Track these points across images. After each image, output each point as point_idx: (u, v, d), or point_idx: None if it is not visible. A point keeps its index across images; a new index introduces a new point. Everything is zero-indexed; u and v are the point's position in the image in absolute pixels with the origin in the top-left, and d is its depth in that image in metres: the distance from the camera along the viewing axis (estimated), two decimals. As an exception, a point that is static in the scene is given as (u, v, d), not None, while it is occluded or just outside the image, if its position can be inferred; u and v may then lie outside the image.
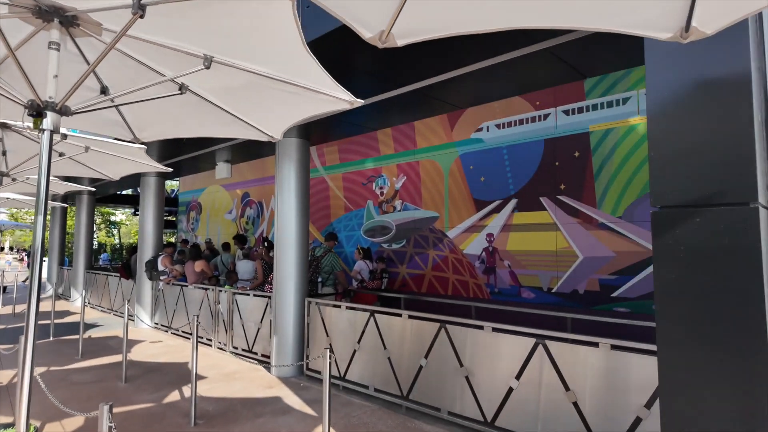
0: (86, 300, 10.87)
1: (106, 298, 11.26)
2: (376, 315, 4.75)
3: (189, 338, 7.62)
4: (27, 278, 14.11)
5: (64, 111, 1.76)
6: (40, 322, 8.58)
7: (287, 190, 5.74)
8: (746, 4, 1.31)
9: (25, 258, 31.15)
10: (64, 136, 3.24)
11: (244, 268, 8.33)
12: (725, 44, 1.47)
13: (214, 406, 4.49)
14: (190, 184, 14.26)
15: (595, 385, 3.21)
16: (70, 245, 19.96)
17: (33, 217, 11.89)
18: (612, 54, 3.35)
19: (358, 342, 4.89)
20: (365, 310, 4.88)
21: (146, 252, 9.15)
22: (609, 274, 5.60)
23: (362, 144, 8.76)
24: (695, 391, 1.47)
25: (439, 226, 7.36)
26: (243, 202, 12.11)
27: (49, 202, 3.25)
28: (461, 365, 3.97)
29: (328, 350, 2.92)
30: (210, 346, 7.03)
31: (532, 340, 3.55)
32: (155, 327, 8.81)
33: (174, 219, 18.69)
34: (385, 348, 4.62)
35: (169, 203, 15.25)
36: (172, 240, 17.69)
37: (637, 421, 2.99)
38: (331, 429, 3.65)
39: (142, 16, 1.41)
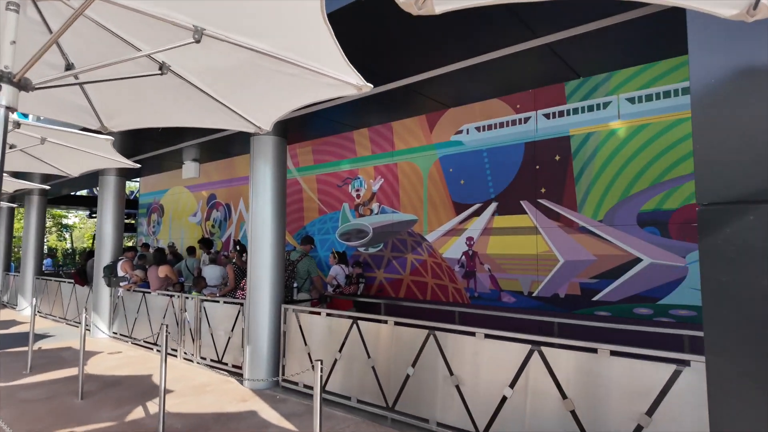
0: (36, 308, 10.09)
1: (58, 306, 10.48)
2: (360, 322, 4.52)
3: (151, 348, 7.13)
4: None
5: (23, 85, 1.47)
6: (-18, 334, 7.88)
7: (263, 191, 5.44)
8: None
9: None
10: (17, 125, 2.87)
11: (212, 273, 7.92)
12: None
13: (183, 423, 4.14)
14: (151, 184, 13.58)
15: (593, 392, 3.11)
16: (17, 249, 18.63)
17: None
18: (605, 53, 3.30)
19: (340, 351, 4.65)
20: (347, 317, 4.65)
21: (104, 257, 8.55)
22: (590, 277, 5.60)
23: (337, 145, 8.53)
24: (746, 401, 1.35)
25: (417, 229, 7.21)
26: (209, 205, 11.60)
27: (-2, 198, 2.85)
28: (451, 374, 3.80)
29: (319, 362, 2.68)
30: (175, 356, 6.59)
31: (527, 347, 3.42)
32: (114, 337, 8.22)
33: (133, 222, 17.80)
34: (369, 356, 4.40)
35: (128, 205, 14.46)
36: (130, 244, 16.80)
37: (638, 429, 2.90)
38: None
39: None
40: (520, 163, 6.25)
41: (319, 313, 4.96)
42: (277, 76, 1.89)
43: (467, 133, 6.78)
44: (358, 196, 8.11)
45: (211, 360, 6.09)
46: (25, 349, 6.54)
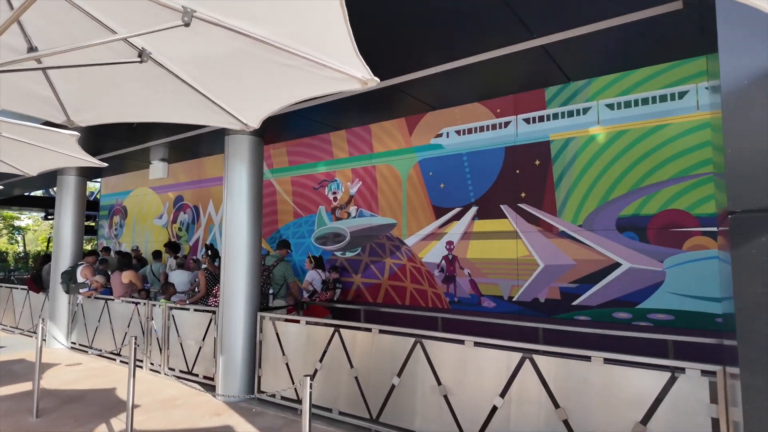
0: (-16, 317, 9.39)
1: (9, 315, 9.78)
2: (342, 330, 4.35)
3: (114, 359, 6.71)
4: None
5: (-22, 66, 1.25)
6: None
7: (238, 193, 5.20)
8: None
9: None
10: (-32, 117, 2.57)
11: (180, 278, 7.56)
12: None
13: (152, 442, 3.85)
14: (114, 185, 12.94)
15: (587, 401, 3.05)
16: (-38, 253, 17.40)
17: None
18: (598, 56, 3.27)
19: (320, 360, 4.46)
20: (329, 325, 4.47)
21: (62, 261, 8.03)
22: (569, 282, 5.62)
23: (313, 146, 8.32)
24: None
25: (396, 233, 7.09)
26: (176, 207, 11.13)
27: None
28: (439, 383, 3.68)
29: (308, 378, 2.50)
30: (141, 367, 6.21)
31: (518, 355, 3.34)
32: (73, 347, 7.71)
33: (93, 224, 16.94)
34: (351, 366, 4.23)
35: (87, 207, 13.73)
36: (89, 248, 15.96)
37: (633, 438, 2.86)
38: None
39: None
40: (500, 167, 6.23)
41: (298, 321, 4.75)
42: (273, 68, 1.72)
43: (447, 136, 6.72)
44: (335, 199, 7.92)
45: (181, 371, 5.76)
46: (-28, 362, 6.03)
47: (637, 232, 5.22)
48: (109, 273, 7.56)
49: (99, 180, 14.49)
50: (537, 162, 5.95)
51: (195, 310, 5.72)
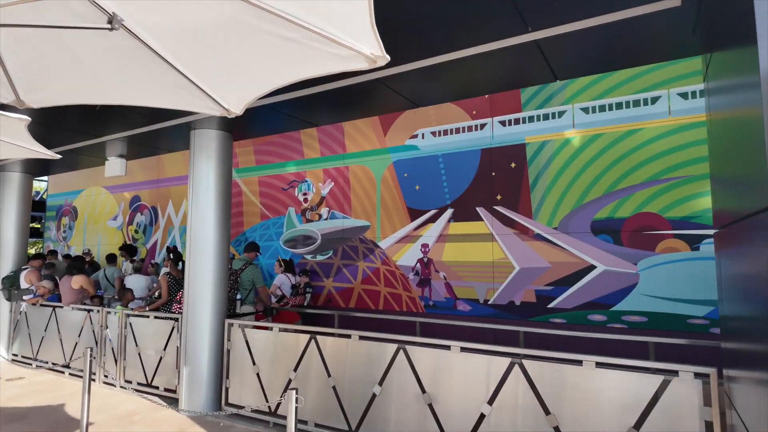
0: None
1: (-61, 325, 8.87)
2: (319, 337, 4.12)
3: (62, 372, 6.16)
4: None
5: None
6: None
7: (204, 192, 4.87)
8: None
9: None
10: None
11: (137, 283, 7.11)
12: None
13: (108, 465, 3.49)
14: (63, 184, 12.10)
15: (578, 406, 2.97)
16: None
17: None
18: (589, 55, 3.23)
19: (295, 369, 4.21)
20: (305, 332, 4.22)
21: (4, 266, 7.35)
22: (545, 284, 5.61)
23: (282, 145, 8.03)
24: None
25: (370, 236, 6.91)
26: (132, 207, 10.51)
27: None
28: (423, 391, 3.53)
29: (294, 392, 2.28)
30: (93, 380, 5.71)
31: (507, 360, 3.23)
32: (14, 360, 7.05)
33: (39, 226, 15.82)
34: (329, 375, 4.00)
35: (33, 207, 12.76)
36: (33, 251, 14.86)
37: (626, 443, 2.80)
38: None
39: None
40: (476, 169, 6.17)
41: (270, 328, 4.48)
42: (267, 42, 1.51)
43: (423, 137, 6.61)
44: (306, 200, 7.66)
45: (139, 383, 5.34)
46: None
47: (612, 235, 5.27)
48: (57, 278, 6.98)
49: (45, 179, 13.51)
50: (513, 164, 5.94)
51: (156, 317, 5.32)
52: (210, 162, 4.89)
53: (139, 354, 5.36)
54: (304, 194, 7.71)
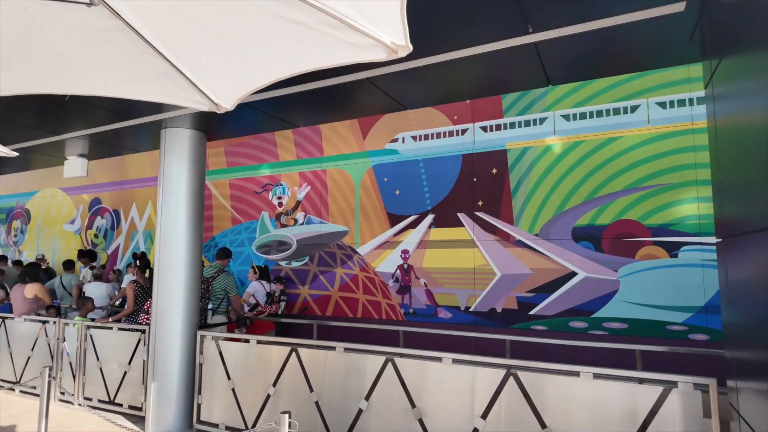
0: None
1: None
2: (300, 349, 3.90)
3: (12, 390, 5.66)
4: None
5: None
6: None
7: (176, 195, 4.58)
8: None
9: None
10: None
11: (97, 292, 6.68)
12: None
13: (66, 495, 3.15)
14: (14, 185, 11.33)
15: (575, 419, 2.89)
16: None
17: None
18: (585, 59, 3.19)
19: (274, 384, 3.97)
20: (285, 344, 4.00)
21: (-55, 273, 6.73)
22: (526, 291, 5.57)
23: (256, 147, 7.74)
24: None
25: (348, 241, 6.72)
26: (92, 211, 9.92)
27: None
28: (413, 406, 3.37)
29: (287, 416, 2.07)
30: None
31: (502, 372, 3.12)
32: (-44, 376, 6.44)
33: (-15, 230, 14.74)
34: (311, 390, 3.79)
35: (-21, 209, 11.87)
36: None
37: (624, 457, 2.73)
38: None
39: None
40: (457, 174, 6.10)
41: (247, 341, 4.22)
42: (270, 25, 1.33)
43: (403, 142, 6.49)
44: (281, 204, 7.39)
45: (100, 401, 4.94)
46: None
47: (592, 242, 5.29)
48: (7, 286, 6.44)
49: (-5, 178, 12.61)
50: (494, 170, 5.89)
51: (120, 328, 4.95)
52: (182, 163, 4.60)
53: (100, 369, 4.97)
54: (279, 198, 7.44)
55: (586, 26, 2.61)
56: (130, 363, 4.79)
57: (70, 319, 5.49)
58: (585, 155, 5.40)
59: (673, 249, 4.89)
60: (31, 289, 5.98)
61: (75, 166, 5.89)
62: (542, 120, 5.68)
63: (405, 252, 6.29)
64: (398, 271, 6.30)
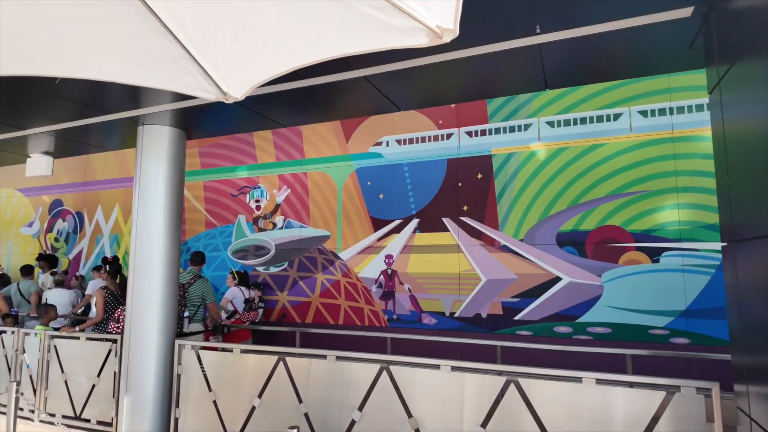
0: None
1: None
2: (288, 359, 3.72)
3: (-37, 406, 5.18)
4: None
5: None
6: None
7: (153, 197, 4.32)
8: None
9: None
10: None
11: (59, 299, 6.27)
12: None
13: None
14: (-35, 185, 10.55)
15: (578, 425, 2.84)
16: None
17: None
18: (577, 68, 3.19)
19: (260, 396, 3.77)
20: (272, 353, 3.81)
21: None
22: (511, 296, 5.57)
23: (233, 148, 7.49)
24: None
25: (330, 246, 6.56)
26: (52, 213, 9.36)
27: None
28: (409, 415, 3.25)
29: (296, 430, 1.92)
30: (4, 413, 4.84)
31: (502, 379, 3.05)
32: None
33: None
34: (300, 401, 3.61)
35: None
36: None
37: (628, 463, 2.70)
38: None
39: None
40: (442, 179, 6.06)
41: (230, 350, 4.00)
42: (300, 3, 1.21)
43: (387, 145, 6.41)
44: (258, 207, 7.16)
45: (65, 417, 4.58)
46: None
47: (576, 247, 5.34)
48: (-41, 293, 5.94)
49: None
50: (479, 175, 5.89)
51: (89, 338, 4.62)
52: (160, 162, 4.34)
53: (65, 382, 4.61)
54: (257, 201, 7.21)
55: (593, 29, 2.60)
56: (99, 375, 4.46)
57: (30, 328, 5.09)
58: (569, 161, 5.47)
59: (654, 254, 4.99)
60: (-14, 297, 5.52)
61: (39, 164, 5.50)
62: (527, 126, 5.72)
63: (389, 257, 6.18)
64: (382, 276, 6.18)
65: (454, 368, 3.20)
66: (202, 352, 4.11)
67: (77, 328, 4.92)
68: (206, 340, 5.28)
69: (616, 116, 5.28)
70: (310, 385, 3.64)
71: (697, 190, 4.85)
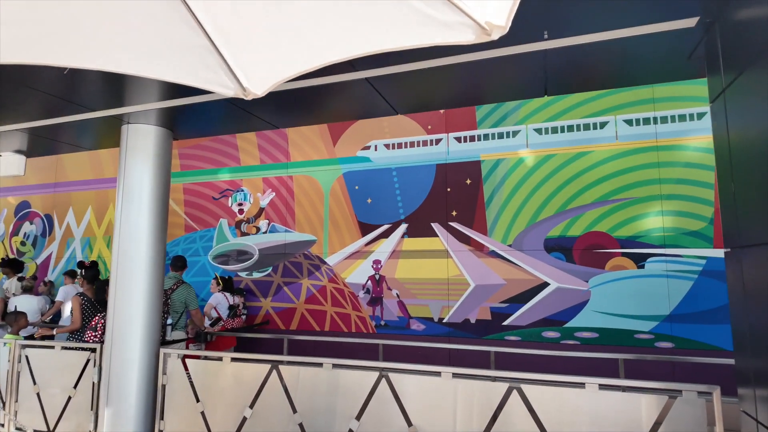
0: None
1: None
2: (282, 367, 3.61)
3: None
4: None
5: None
6: None
7: (138, 199, 4.13)
8: None
9: None
10: None
11: (27, 306, 5.96)
12: None
13: None
14: None
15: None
16: None
17: None
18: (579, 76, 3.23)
19: (251, 406, 3.63)
20: (264, 361, 3.68)
21: None
22: (500, 302, 5.59)
23: (214, 150, 7.30)
24: None
25: (316, 251, 6.44)
26: (18, 215, 8.91)
27: None
28: (409, 424, 3.19)
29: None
30: (-32, 430, 4.53)
31: (505, 385, 3.03)
32: None
33: None
34: (294, 411, 3.50)
35: None
36: None
37: (631, 468, 2.71)
38: None
39: None
40: (431, 184, 6.05)
41: (220, 359, 3.85)
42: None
43: (375, 149, 6.36)
44: (241, 211, 6.98)
45: (36, 431, 4.32)
46: None
47: (564, 253, 5.40)
48: None
49: None
50: (468, 181, 5.90)
51: (64, 347, 4.37)
52: (146, 163, 4.17)
53: (38, 394, 4.34)
54: (240, 205, 7.03)
55: (600, 36, 2.62)
56: (75, 386, 4.22)
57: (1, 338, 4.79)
58: (556, 168, 5.54)
59: (639, 260, 5.09)
60: (-51, 304, 5.17)
61: (10, 163, 5.20)
62: (515, 133, 5.77)
63: (377, 262, 6.11)
64: (369, 282, 6.11)
65: (455, 375, 3.16)
66: (189, 361, 3.94)
67: (55, 332, 4.66)
68: (186, 348, 5.09)
69: (603, 124, 5.39)
70: (304, 394, 3.53)
71: (680, 197, 4.98)
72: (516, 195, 5.69)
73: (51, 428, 4.28)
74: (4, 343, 4.58)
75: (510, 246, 5.63)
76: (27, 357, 4.49)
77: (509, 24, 1.16)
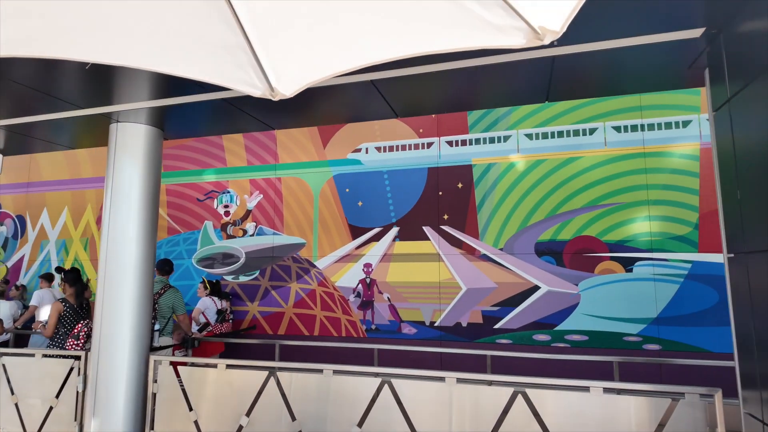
0: None
1: None
2: (280, 373, 3.52)
3: None
4: None
5: None
6: None
7: (127, 200, 3.99)
8: None
9: None
10: None
11: (2, 311, 5.68)
12: None
13: None
14: None
15: (586, 436, 2.87)
16: None
17: None
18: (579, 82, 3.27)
19: (248, 414, 3.54)
20: (262, 368, 3.59)
21: None
22: (491, 305, 5.62)
23: (199, 151, 7.13)
24: None
25: (305, 254, 6.35)
26: (-13, 216, 8.49)
27: None
28: (413, 431, 3.16)
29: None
30: (-63, 444, 4.27)
31: (509, 390, 3.03)
32: None
33: None
34: (293, 419, 3.43)
35: None
36: None
37: (635, 471, 2.75)
38: None
39: None
40: (422, 187, 6.04)
41: (214, 366, 3.74)
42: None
43: (366, 152, 6.32)
44: (228, 213, 6.83)
45: (14, 444, 4.10)
46: None
47: (554, 256, 5.47)
48: None
49: None
50: (459, 185, 5.92)
51: (45, 355, 4.17)
52: (135, 164, 4.02)
53: (16, 405, 4.13)
54: (226, 207, 6.88)
55: (607, 44, 2.66)
56: (58, 396, 4.03)
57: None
58: (547, 173, 5.61)
59: (628, 264, 5.20)
60: None
61: (-15, 161, 4.95)
62: (506, 138, 5.83)
63: (368, 266, 6.07)
64: (360, 285, 6.05)
65: (459, 380, 3.15)
66: (181, 369, 3.82)
67: (33, 327, 4.42)
68: (173, 354, 4.94)
69: (592, 131, 5.49)
70: (303, 401, 3.46)
71: (666, 203, 5.11)
72: (507, 199, 5.74)
73: (30, 440, 4.08)
74: (-21, 352, 4.34)
75: (501, 250, 5.67)
76: (3, 365, 4.26)
77: (564, 29, 1.15)
